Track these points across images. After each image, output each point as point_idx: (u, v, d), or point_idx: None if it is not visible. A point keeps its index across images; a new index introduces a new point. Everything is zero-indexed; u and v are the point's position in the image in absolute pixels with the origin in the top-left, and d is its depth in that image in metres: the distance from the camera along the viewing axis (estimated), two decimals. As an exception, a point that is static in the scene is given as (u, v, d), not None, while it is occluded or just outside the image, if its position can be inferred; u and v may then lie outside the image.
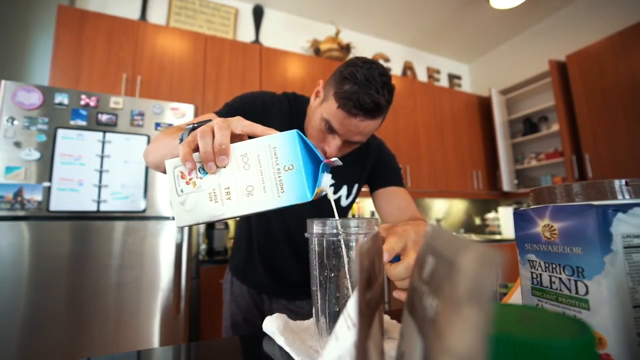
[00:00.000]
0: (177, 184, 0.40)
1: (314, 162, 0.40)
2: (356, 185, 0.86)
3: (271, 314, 0.90)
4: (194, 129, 0.46)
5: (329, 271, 0.40)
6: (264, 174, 0.39)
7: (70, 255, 1.32)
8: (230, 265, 0.97)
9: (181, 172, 0.40)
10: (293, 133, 0.39)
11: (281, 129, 0.71)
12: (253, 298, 0.90)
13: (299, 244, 0.86)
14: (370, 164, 0.88)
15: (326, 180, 0.43)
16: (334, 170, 0.71)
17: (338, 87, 0.64)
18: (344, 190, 0.85)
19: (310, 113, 0.74)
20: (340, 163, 0.43)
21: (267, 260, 0.88)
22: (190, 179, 0.40)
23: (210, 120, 0.45)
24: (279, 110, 0.79)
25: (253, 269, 0.90)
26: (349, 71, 0.63)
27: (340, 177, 0.84)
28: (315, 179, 0.40)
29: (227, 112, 0.73)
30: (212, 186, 0.39)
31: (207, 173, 0.40)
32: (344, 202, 0.85)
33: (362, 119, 0.64)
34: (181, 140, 0.48)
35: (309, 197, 0.38)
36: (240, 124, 0.42)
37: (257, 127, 0.42)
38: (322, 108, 0.68)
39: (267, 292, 0.90)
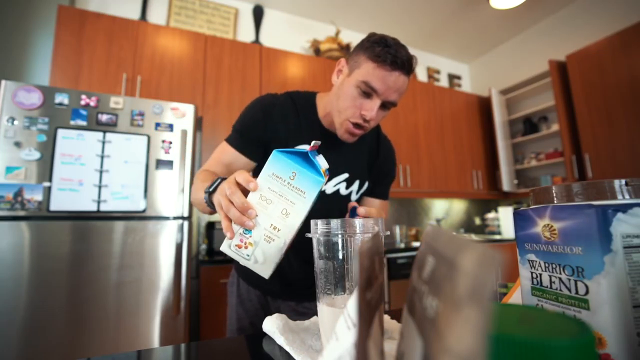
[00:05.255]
0: (241, 254, 0.48)
1: (304, 157, 0.48)
2: (366, 183, 0.88)
3: None
4: (210, 193, 0.58)
5: (331, 271, 0.40)
6: (283, 195, 0.47)
7: (70, 255, 1.32)
8: (236, 266, 0.94)
9: (236, 245, 0.48)
10: (274, 154, 0.47)
11: (287, 128, 0.77)
12: (260, 301, 0.88)
13: (302, 244, 0.85)
14: (377, 167, 0.89)
15: (322, 161, 0.51)
16: (348, 164, 0.81)
17: (370, 52, 0.67)
18: (355, 185, 0.85)
19: (334, 92, 0.76)
20: (319, 142, 0.49)
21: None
22: (245, 243, 0.48)
23: (221, 179, 0.57)
24: (282, 110, 0.80)
25: None
26: (376, 38, 0.68)
27: (354, 172, 0.84)
28: (314, 167, 0.47)
29: (236, 137, 0.79)
30: (262, 233, 0.47)
31: (250, 231, 0.47)
32: (354, 197, 0.86)
33: (400, 73, 0.67)
34: (208, 201, 0.59)
35: (322, 180, 0.46)
36: (241, 177, 0.49)
37: (243, 173, 0.49)
38: (356, 75, 0.70)
39: (275, 295, 0.88)
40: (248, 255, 0.48)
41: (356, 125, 0.73)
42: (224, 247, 0.49)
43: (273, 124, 0.78)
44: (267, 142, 0.79)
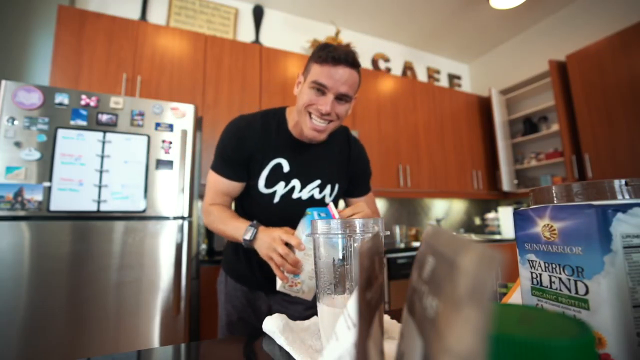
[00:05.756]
0: (293, 290, 0.71)
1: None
2: (337, 185, 0.94)
3: (269, 311, 0.92)
4: (250, 239, 0.76)
5: (331, 271, 0.40)
6: None
7: (71, 255, 1.32)
8: (224, 265, 0.99)
9: (289, 285, 0.70)
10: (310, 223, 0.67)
11: (261, 144, 0.88)
12: (247, 297, 0.92)
13: None
14: (352, 169, 0.97)
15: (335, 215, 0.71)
16: (320, 170, 0.92)
17: (315, 57, 0.78)
18: (327, 189, 0.92)
19: (297, 100, 0.85)
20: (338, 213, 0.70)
21: (259, 257, 0.89)
22: (295, 283, 0.71)
23: (255, 229, 0.76)
24: (253, 130, 0.88)
25: (247, 267, 0.92)
26: (320, 46, 0.80)
27: (326, 177, 0.92)
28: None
29: (218, 163, 0.89)
30: (307, 275, 0.70)
31: (299, 275, 0.70)
32: (327, 200, 0.94)
33: (344, 67, 0.76)
34: (248, 246, 0.78)
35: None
36: (294, 241, 0.67)
37: (292, 237, 0.68)
38: (308, 79, 0.80)
39: (263, 289, 0.91)
40: (298, 290, 0.71)
41: (317, 120, 0.81)
42: (280, 287, 0.71)
43: (247, 145, 0.86)
44: (247, 161, 0.87)
